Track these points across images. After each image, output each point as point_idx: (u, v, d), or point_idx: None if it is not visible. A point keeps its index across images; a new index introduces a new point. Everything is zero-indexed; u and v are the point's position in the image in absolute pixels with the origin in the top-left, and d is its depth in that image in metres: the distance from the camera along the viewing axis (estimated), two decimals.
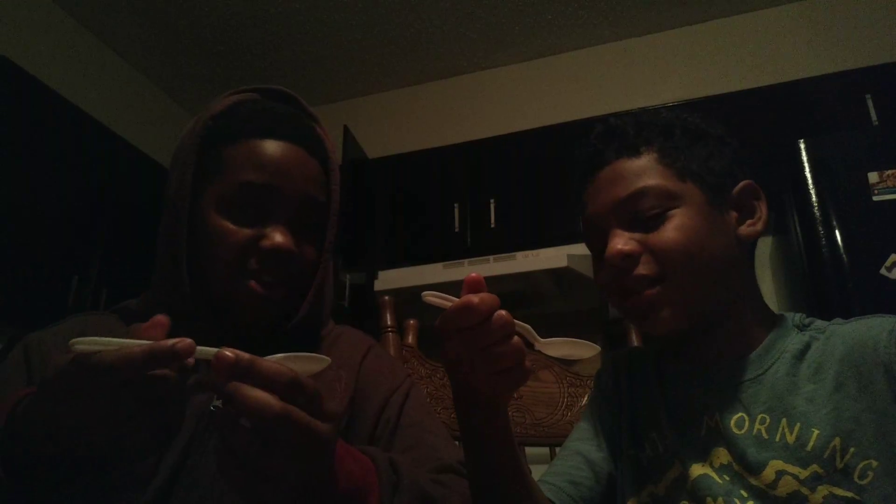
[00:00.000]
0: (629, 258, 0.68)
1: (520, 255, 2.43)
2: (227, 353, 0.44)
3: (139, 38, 2.95)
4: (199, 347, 0.45)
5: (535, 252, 2.41)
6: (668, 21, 2.88)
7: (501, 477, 0.60)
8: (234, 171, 0.70)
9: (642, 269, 0.68)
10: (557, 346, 0.56)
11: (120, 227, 2.58)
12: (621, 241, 0.69)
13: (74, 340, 0.43)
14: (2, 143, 2.14)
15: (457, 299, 0.49)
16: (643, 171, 0.71)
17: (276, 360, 0.46)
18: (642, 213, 0.69)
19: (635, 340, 1.16)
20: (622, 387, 0.80)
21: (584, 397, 1.13)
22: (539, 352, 0.56)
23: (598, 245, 0.73)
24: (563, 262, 2.28)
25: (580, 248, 2.36)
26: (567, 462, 0.76)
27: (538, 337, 0.55)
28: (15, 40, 2.47)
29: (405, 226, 2.72)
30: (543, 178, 2.59)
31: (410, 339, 1.18)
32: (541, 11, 2.81)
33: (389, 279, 2.49)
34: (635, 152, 0.72)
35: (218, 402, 0.67)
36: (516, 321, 0.50)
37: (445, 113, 3.16)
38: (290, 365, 0.46)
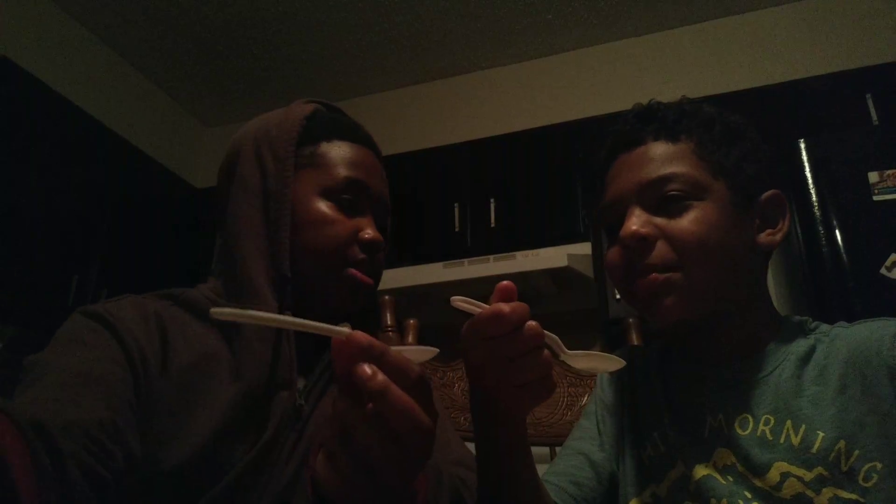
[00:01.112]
0: (644, 241, 0.67)
1: (520, 255, 2.42)
2: (362, 336, 0.42)
3: (139, 38, 2.95)
4: (326, 325, 0.43)
5: (535, 252, 2.41)
6: (668, 21, 2.88)
7: (514, 484, 0.60)
8: (334, 165, 0.75)
9: (656, 256, 0.67)
10: (583, 359, 0.55)
11: (120, 227, 2.58)
12: (638, 223, 0.67)
13: (218, 311, 0.41)
14: (2, 144, 2.14)
15: (486, 306, 0.47)
16: (677, 157, 0.70)
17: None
18: (666, 197, 0.68)
19: (635, 340, 1.16)
20: (625, 386, 0.80)
21: (584, 397, 1.13)
22: (563, 363, 0.55)
23: (613, 222, 0.72)
24: (563, 262, 2.28)
25: (580, 248, 2.36)
26: (569, 461, 0.76)
27: (564, 348, 0.54)
28: (15, 40, 2.47)
29: (405, 226, 2.72)
30: (543, 178, 2.58)
31: (410, 338, 1.18)
32: (541, 11, 2.81)
33: (389, 279, 2.48)
34: (673, 138, 0.71)
35: (301, 401, 0.67)
36: (544, 332, 0.49)
37: (445, 113, 3.16)
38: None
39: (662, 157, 0.70)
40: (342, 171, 0.75)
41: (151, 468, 0.58)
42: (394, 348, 0.44)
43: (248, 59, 3.09)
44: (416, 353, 0.46)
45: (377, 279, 0.78)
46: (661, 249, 0.67)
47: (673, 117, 0.72)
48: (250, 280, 0.71)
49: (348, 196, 0.74)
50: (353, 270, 0.73)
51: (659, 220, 0.68)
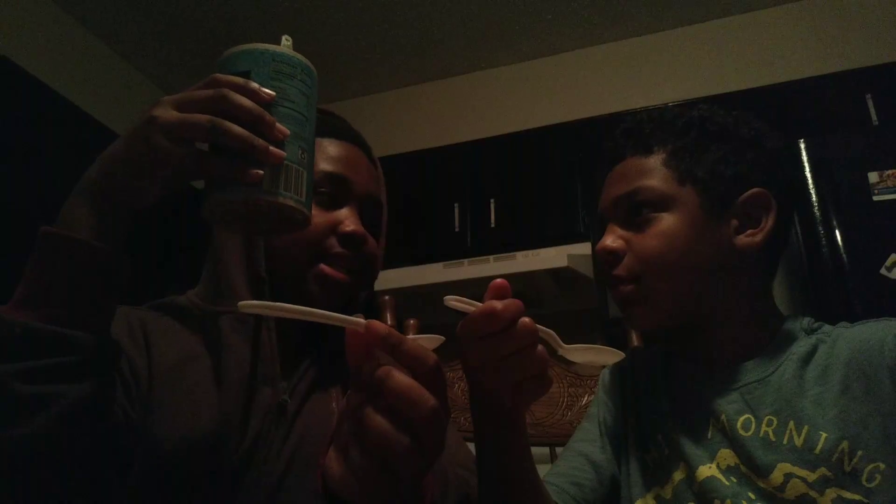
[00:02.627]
0: (613, 255, 0.70)
1: (520, 255, 2.42)
2: (379, 325, 0.42)
3: (140, 38, 2.95)
4: (344, 316, 0.44)
5: (535, 252, 2.40)
6: (668, 21, 2.88)
7: (514, 484, 0.60)
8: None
9: (622, 269, 0.70)
10: (581, 353, 0.56)
11: None
12: (610, 238, 0.71)
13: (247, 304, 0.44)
14: (2, 143, 2.14)
15: (480, 304, 0.48)
16: (646, 170, 0.71)
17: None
18: (634, 211, 0.71)
19: (636, 340, 1.16)
20: (627, 388, 0.80)
21: (584, 397, 1.13)
22: (562, 357, 0.56)
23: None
24: (563, 262, 2.28)
25: (580, 248, 2.36)
26: (570, 463, 0.76)
27: (562, 343, 0.54)
28: (15, 40, 2.46)
29: (405, 226, 2.71)
30: (543, 178, 2.58)
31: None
32: (541, 11, 2.81)
33: (389, 279, 2.49)
34: (647, 151, 0.73)
35: (286, 397, 0.67)
36: (539, 327, 0.49)
37: (445, 113, 3.16)
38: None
39: (633, 172, 0.72)
40: (319, 166, 0.74)
41: (146, 465, 0.59)
42: (408, 337, 0.44)
43: None
44: (425, 341, 0.47)
45: (365, 274, 0.77)
46: (626, 262, 0.70)
47: (648, 130, 0.74)
48: (229, 282, 0.71)
49: (325, 189, 0.73)
50: (323, 266, 0.72)
51: (627, 234, 0.71)
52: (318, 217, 0.71)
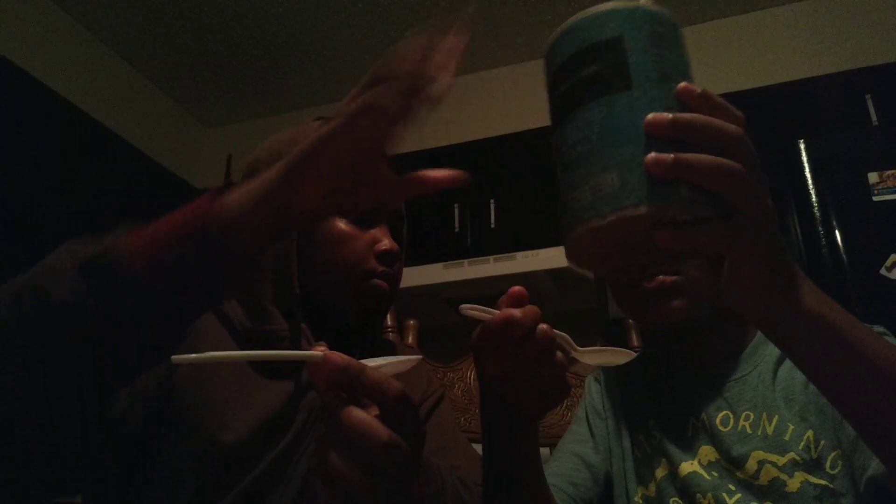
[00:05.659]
0: None
1: (520, 255, 2.42)
2: (337, 356, 0.41)
3: (138, 38, 2.95)
4: (299, 352, 0.42)
5: (535, 252, 2.40)
6: None
7: (526, 489, 0.60)
8: None
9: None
10: (594, 355, 0.57)
11: (119, 227, 2.57)
12: None
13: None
14: (2, 143, 2.14)
15: (497, 312, 0.47)
16: None
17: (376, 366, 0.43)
18: None
19: (635, 340, 1.16)
20: (612, 389, 0.82)
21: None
22: (574, 360, 0.56)
23: None
24: (563, 263, 2.27)
25: None
26: (565, 463, 0.77)
27: (575, 346, 0.54)
28: (15, 41, 2.47)
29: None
30: (543, 178, 2.58)
31: (410, 339, 1.18)
32: (541, 11, 2.81)
33: None
34: None
35: None
36: (554, 331, 0.49)
37: (445, 113, 3.16)
38: (386, 369, 0.44)
39: None
40: None
41: (185, 455, 0.58)
42: (374, 363, 0.43)
43: (248, 59, 3.09)
44: (396, 364, 0.45)
45: (395, 288, 0.79)
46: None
47: None
48: (261, 302, 0.72)
49: (365, 212, 0.76)
50: (375, 280, 0.75)
51: None
52: (358, 239, 0.75)
